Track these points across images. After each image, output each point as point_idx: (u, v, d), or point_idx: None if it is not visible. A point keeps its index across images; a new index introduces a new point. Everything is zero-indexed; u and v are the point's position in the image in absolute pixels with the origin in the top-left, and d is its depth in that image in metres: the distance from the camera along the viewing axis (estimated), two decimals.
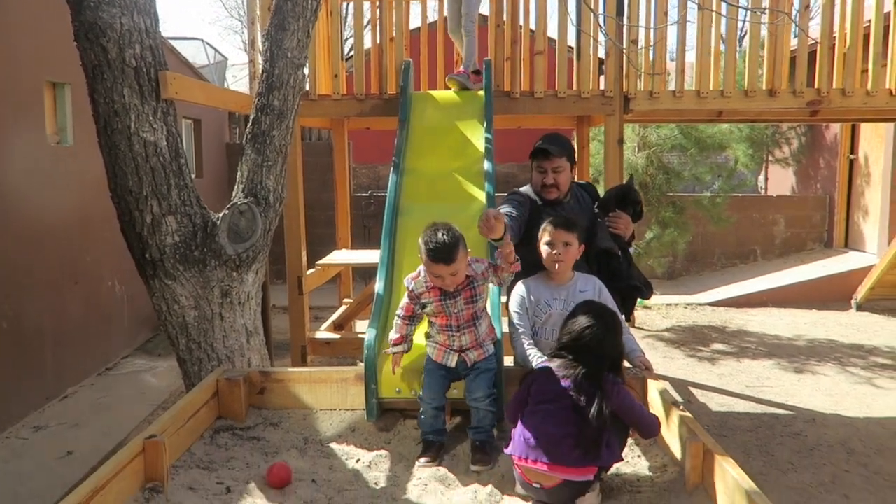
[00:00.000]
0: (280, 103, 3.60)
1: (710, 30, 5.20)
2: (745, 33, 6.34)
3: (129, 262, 3.66)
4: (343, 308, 6.68)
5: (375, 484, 2.47)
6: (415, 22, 5.95)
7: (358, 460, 2.64)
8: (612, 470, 2.44)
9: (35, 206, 5.46)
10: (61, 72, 5.79)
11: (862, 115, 6.53)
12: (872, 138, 10.15)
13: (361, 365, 2.98)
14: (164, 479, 2.29)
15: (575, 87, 5.34)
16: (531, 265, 3.12)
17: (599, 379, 2.36)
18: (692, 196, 9.77)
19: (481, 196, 4.11)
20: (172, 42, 9.09)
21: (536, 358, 2.83)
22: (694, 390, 6.00)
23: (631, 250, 3.55)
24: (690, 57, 5.51)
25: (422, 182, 4.27)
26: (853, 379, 6.31)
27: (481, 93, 5.11)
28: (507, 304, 3.17)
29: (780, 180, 12.69)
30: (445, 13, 5.64)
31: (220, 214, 3.54)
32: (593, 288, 3.07)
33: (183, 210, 3.49)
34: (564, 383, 2.38)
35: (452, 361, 2.78)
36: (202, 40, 15.40)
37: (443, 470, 2.54)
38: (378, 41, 5.56)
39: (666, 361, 6.84)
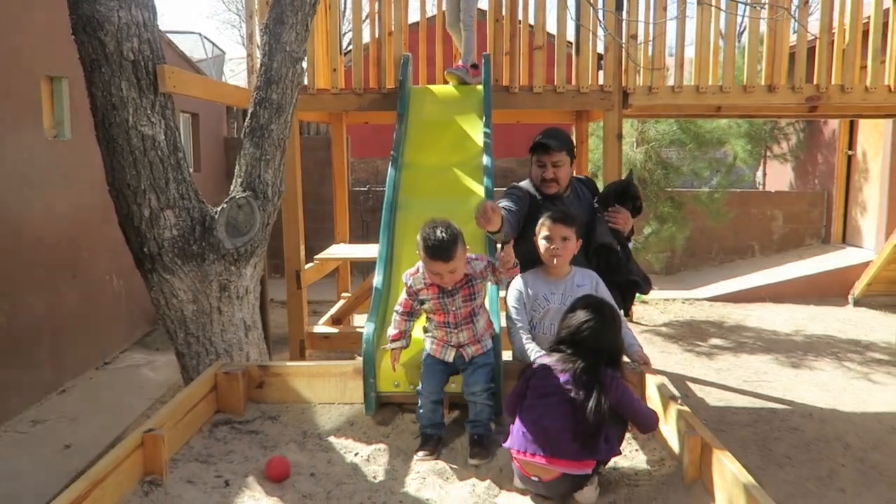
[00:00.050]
0: (278, 97, 3.59)
1: (710, 25, 5.20)
2: (744, 29, 6.33)
3: (127, 257, 3.65)
4: (341, 302, 6.69)
5: (374, 477, 2.48)
6: (413, 16, 5.93)
7: (356, 454, 2.64)
8: (610, 464, 2.44)
9: (32, 200, 5.46)
10: (59, 65, 5.77)
11: (861, 111, 6.53)
12: (871, 134, 10.15)
13: (360, 359, 2.99)
14: (163, 472, 2.30)
15: (574, 81, 5.33)
16: (530, 260, 3.13)
17: (598, 373, 2.37)
18: (690, 191, 9.78)
19: (480, 191, 4.10)
20: (170, 36, 9.07)
21: (534, 352, 2.84)
22: (691, 385, 6.01)
23: (630, 245, 3.55)
24: (689, 52, 5.50)
25: (420, 176, 4.27)
26: (850, 374, 6.33)
27: (480, 87, 5.10)
28: (505, 298, 3.17)
29: (778, 176, 12.70)
30: (444, 7, 5.62)
31: (219, 208, 3.54)
32: (591, 282, 3.08)
33: (181, 204, 3.49)
34: (563, 377, 2.38)
35: (450, 356, 2.78)
36: (200, 34, 15.36)
37: (441, 463, 2.55)
38: (377, 35, 5.55)
39: (663, 356, 6.85)
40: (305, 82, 5.17)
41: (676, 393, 2.67)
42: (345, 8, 6.87)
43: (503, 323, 3.07)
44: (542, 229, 3.04)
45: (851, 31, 5.28)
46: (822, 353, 7.01)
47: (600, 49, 5.54)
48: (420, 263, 2.73)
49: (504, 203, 3.29)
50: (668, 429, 2.55)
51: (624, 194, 3.49)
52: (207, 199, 3.67)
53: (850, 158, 10.77)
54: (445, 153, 4.48)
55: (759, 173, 13.54)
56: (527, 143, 3.54)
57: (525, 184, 3.50)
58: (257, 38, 5.26)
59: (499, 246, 3.61)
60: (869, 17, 5.36)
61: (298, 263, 5.38)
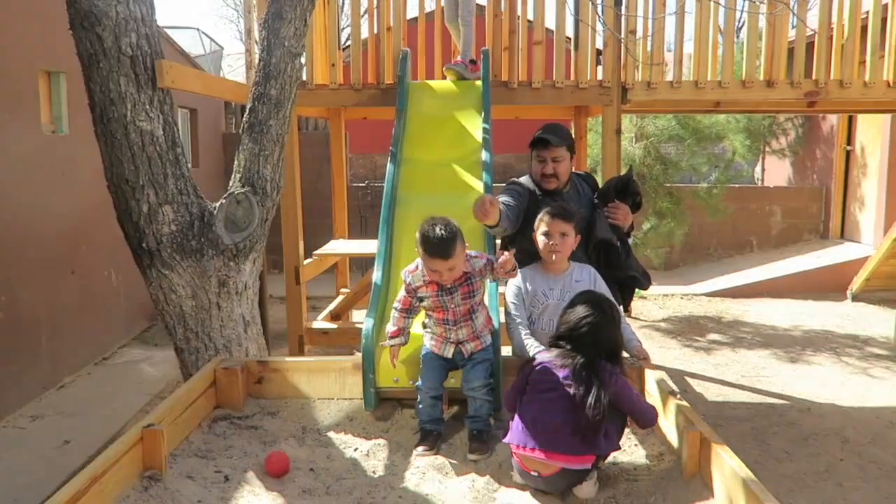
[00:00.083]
0: (277, 93, 3.59)
1: (708, 20, 5.19)
2: (743, 24, 6.33)
3: (125, 252, 3.65)
4: (340, 298, 6.69)
5: (373, 472, 2.49)
6: (412, 11, 5.92)
7: (356, 449, 2.65)
8: (610, 459, 2.45)
9: (30, 196, 5.45)
10: (56, 60, 5.76)
11: (859, 106, 6.54)
12: (869, 129, 10.15)
13: (359, 354, 2.99)
14: (163, 467, 2.30)
15: (573, 77, 5.32)
16: (529, 255, 3.13)
17: (597, 368, 2.37)
18: (689, 187, 9.78)
19: (479, 186, 4.10)
20: (168, 31, 9.04)
21: (533, 348, 2.84)
22: (690, 380, 6.02)
23: (630, 241, 3.56)
24: (688, 48, 5.49)
25: (419, 172, 4.26)
26: (848, 369, 6.34)
27: (479, 83, 5.10)
28: (504, 294, 3.17)
29: (776, 171, 12.70)
30: (443, 3, 5.61)
31: (217, 204, 3.53)
32: (589, 277, 3.08)
33: (180, 199, 3.49)
34: (562, 373, 2.39)
35: (449, 352, 2.79)
36: (198, 29, 15.34)
37: (440, 458, 2.56)
38: (375, 30, 5.54)
39: (662, 351, 6.86)
40: (304, 78, 5.16)
41: (675, 388, 2.67)
42: (343, 3, 6.85)
43: (502, 319, 3.07)
44: (541, 225, 3.04)
45: (850, 26, 5.27)
46: (820, 348, 7.02)
47: (599, 45, 5.53)
48: (419, 261, 2.72)
49: (503, 198, 3.29)
50: (668, 424, 2.56)
51: (624, 190, 3.49)
52: (206, 195, 3.67)
53: (848, 154, 10.77)
54: (444, 149, 4.48)
55: (758, 169, 13.54)
56: (525, 138, 3.54)
57: (524, 179, 3.50)
58: (256, 34, 5.25)
59: (497, 241, 3.62)
60: (868, 12, 5.36)
61: (297, 259, 5.38)
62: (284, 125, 3.67)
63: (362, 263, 9.83)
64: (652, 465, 2.48)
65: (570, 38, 5.73)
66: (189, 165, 3.67)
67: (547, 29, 5.50)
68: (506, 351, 2.99)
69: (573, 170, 3.55)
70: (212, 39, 15.70)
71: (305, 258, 5.65)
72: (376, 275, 3.46)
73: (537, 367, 2.47)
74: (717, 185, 9.68)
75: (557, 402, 2.33)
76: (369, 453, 2.61)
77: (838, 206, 10.85)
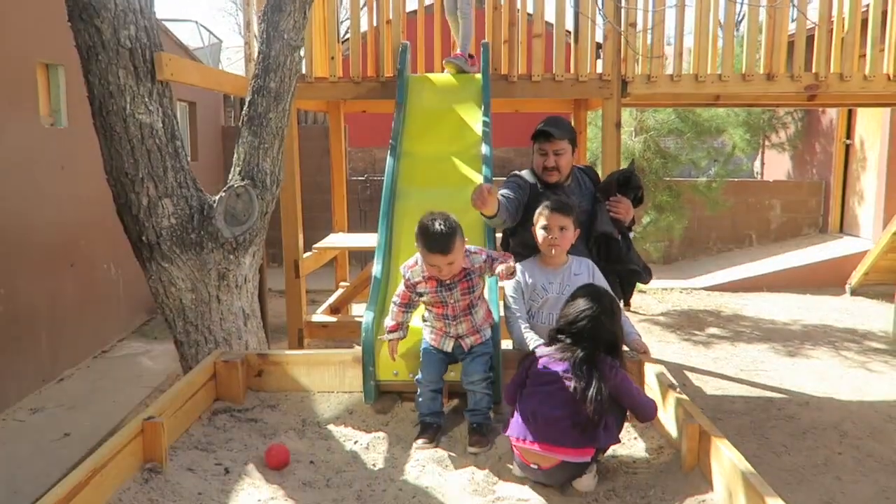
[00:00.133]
0: (276, 85, 3.58)
1: (709, 13, 5.18)
2: (743, 17, 6.31)
3: (124, 245, 3.65)
4: (339, 291, 6.69)
5: (373, 465, 2.49)
6: (411, 4, 5.90)
7: (356, 442, 2.65)
8: (609, 451, 2.46)
9: (29, 189, 5.44)
10: (55, 53, 5.74)
11: (859, 99, 6.52)
12: (869, 123, 10.15)
13: (359, 348, 2.99)
14: (163, 459, 2.30)
15: (572, 70, 5.31)
16: (529, 248, 3.14)
17: (597, 362, 2.37)
18: (689, 181, 9.77)
19: (479, 180, 4.10)
20: (166, 24, 9.01)
21: (533, 341, 2.84)
22: (689, 374, 6.03)
23: (631, 235, 3.55)
24: (688, 41, 5.47)
25: (419, 166, 4.26)
26: (847, 363, 6.35)
27: (478, 76, 5.09)
28: (503, 287, 3.17)
29: (776, 165, 12.70)
30: None
31: (217, 197, 3.53)
32: (587, 270, 3.09)
33: (179, 192, 3.48)
34: (562, 366, 2.39)
35: (449, 346, 2.79)
36: (196, 22, 15.31)
37: (440, 451, 2.56)
38: (375, 23, 5.52)
39: (661, 345, 6.87)
40: (303, 71, 5.14)
41: (674, 382, 2.68)
42: None
43: (502, 312, 3.07)
44: (540, 219, 3.04)
45: (850, 19, 5.26)
46: (818, 342, 7.03)
47: (599, 38, 5.52)
48: (418, 256, 2.72)
49: (503, 191, 3.29)
50: (667, 417, 2.56)
51: (626, 184, 3.49)
52: (205, 189, 3.66)
53: (847, 147, 10.77)
54: (444, 142, 4.47)
55: (757, 163, 13.53)
56: (525, 132, 3.54)
57: (526, 173, 3.50)
58: (255, 27, 5.23)
59: (498, 235, 3.62)
60: (868, 6, 5.34)
61: (297, 253, 5.38)
62: (284, 118, 3.67)
63: (361, 257, 9.83)
64: (651, 458, 2.49)
65: (569, 32, 5.71)
66: (188, 158, 3.66)
67: (547, 22, 5.48)
68: (506, 344, 2.99)
69: (574, 163, 3.55)
70: (210, 32, 15.67)
71: (305, 251, 5.65)
72: (376, 268, 3.46)
73: (537, 361, 2.47)
74: (716, 178, 9.67)
75: (557, 396, 2.34)
76: (369, 446, 2.62)
77: (837, 200, 10.85)
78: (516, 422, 2.38)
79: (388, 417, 2.87)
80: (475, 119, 4.63)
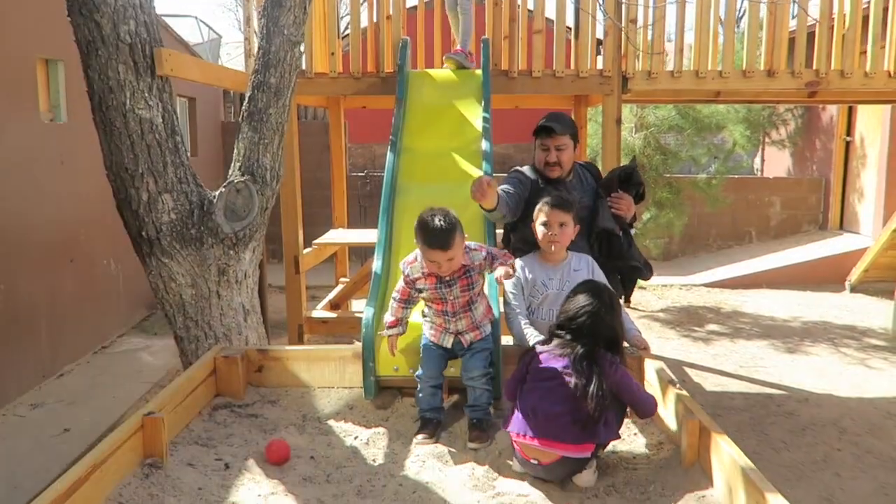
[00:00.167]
0: (277, 81, 3.58)
1: (709, 9, 5.17)
2: (744, 13, 6.30)
3: (124, 240, 3.65)
4: (339, 287, 6.69)
5: (373, 460, 2.49)
6: (412, 0, 5.89)
7: (356, 437, 2.65)
8: (609, 447, 2.46)
9: (29, 184, 5.43)
10: (54, 48, 5.73)
11: (860, 96, 6.51)
12: (869, 120, 10.14)
13: (359, 343, 2.99)
14: (164, 455, 2.30)
15: (573, 66, 5.30)
16: (530, 244, 3.14)
17: (597, 358, 2.37)
18: (689, 177, 9.77)
19: (479, 175, 4.09)
20: (166, 19, 9.00)
21: (533, 337, 2.84)
22: (688, 370, 6.04)
23: (632, 231, 3.55)
24: (689, 38, 5.47)
25: (419, 161, 4.25)
26: (846, 360, 6.36)
27: (479, 72, 5.08)
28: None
29: (776, 162, 12.69)
30: None
31: (217, 192, 3.53)
32: (587, 266, 3.09)
33: (179, 188, 3.48)
34: (562, 362, 2.39)
35: (449, 342, 2.79)
36: (196, 17, 15.28)
37: (440, 447, 2.56)
38: (375, 19, 5.51)
39: (661, 342, 6.87)
40: (303, 66, 5.13)
41: (674, 378, 2.68)
42: None
43: (502, 308, 3.07)
44: (540, 215, 3.03)
45: (852, 16, 5.26)
46: (818, 338, 7.03)
47: (599, 34, 5.51)
48: (418, 252, 2.71)
49: (504, 186, 3.29)
50: (667, 413, 2.57)
51: (628, 180, 3.49)
52: (205, 184, 3.66)
53: (847, 144, 10.76)
54: (444, 138, 4.47)
55: (757, 159, 13.52)
56: (525, 128, 3.53)
57: (526, 168, 3.50)
58: (255, 22, 5.22)
59: (498, 231, 3.62)
60: (869, 2, 5.34)
61: (297, 248, 5.37)
62: (284, 114, 3.66)
63: (361, 253, 9.84)
64: (651, 454, 2.49)
65: (570, 28, 5.70)
66: (188, 154, 3.66)
67: (547, 18, 5.48)
68: (506, 340, 2.99)
69: (575, 159, 3.55)
70: (210, 28, 15.65)
71: (305, 247, 5.65)
72: (376, 264, 3.46)
73: (537, 357, 2.47)
74: (716, 175, 9.67)
75: (557, 391, 2.34)
76: (369, 441, 2.62)
77: (837, 197, 10.85)
78: (516, 417, 2.39)
79: (388, 413, 2.87)
80: (475, 115, 4.62)
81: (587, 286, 2.59)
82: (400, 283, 2.81)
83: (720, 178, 9.67)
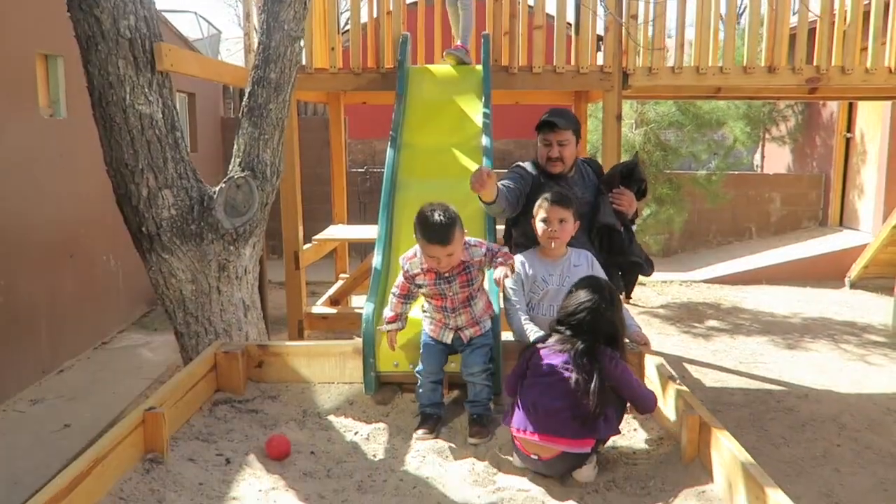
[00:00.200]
0: (277, 76, 3.57)
1: (710, 5, 5.16)
2: (745, 9, 6.29)
3: (124, 236, 3.64)
4: (339, 283, 6.69)
5: (374, 456, 2.49)
6: None
7: (356, 433, 2.65)
8: (609, 443, 2.46)
9: (28, 180, 5.43)
10: (54, 43, 5.72)
11: (861, 92, 6.51)
12: (869, 116, 10.13)
13: (359, 339, 2.99)
14: (164, 450, 2.30)
15: (573, 62, 5.30)
16: (532, 239, 3.14)
17: (597, 353, 2.38)
18: (689, 173, 9.76)
19: (478, 167, 4.08)
20: (165, 15, 8.98)
21: (533, 333, 2.84)
22: (688, 366, 6.04)
23: (633, 228, 3.55)
24: (689, 34, 5.46)
25: (419, 157, 4.25)
26: (846, 356, 6.36)
27: (479, 67, 5.07)
28: None
29: (776, 158, 12.69)
30: None
31: (217, 188, 3.52)
32: (586, 261, 3.09)
33: (179, 184, 3.47)
34: (562, 357, 2.39)
35: (448, 338, 2.78)
36: (195, 13, 15.25)
37: (441, 442, 2.57)
38: (375, 14, 5.50)
39: (660, 338, 6.88)
40: (303, 62, 5.12)
41: (674, 374, 2.68)
42: None
43: (503, 304, 3.07)
44: (540, 211, 3.03)
45: (853, 12, 5.25)
46: (818, 335, 7.04)
47: (600, 30, 5.50)
48: (417, 247, 2.70)
49: (504, 181, 3.29)
50: (667, 408, 2.57)
51: (630, 176, 3.48)
52: (204, 180, 3.66)
53: (848, 141, 10.75)
54: (444, 134, 4.46)
55: (758, 156, 13.52)
56: (525, 124, 3.53)
57: (528, 164, 3.50)
58: (254, 18, 5.22)
59: (499, 227, 3.61)
60: None
61: (297, 244, 5.37)
62: (284, 109, 3.66)
63: (361, 249, 9.83)
64: (651, 449, 2.49)
65: (570, 24, 5.69)
66: (188, 150, 3.65)
67: (547, 14, 5.47)
68: (506, 336, 2.99)
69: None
70: (209, 23, 15.62)
71: (305, 243, 5.65)
72: (376, 259, 3.45)
73: (538, 352, 2.47)
74: (716, 171, 9.67)
75: (557, 387, 2.34)
76: (370, 437, 2.62)
77: (837, 194, 10.85)
78: (517, 413, 2.39)
79: (388, 408, 2.88)
80: (475, 110, 4.62)
81: (587, 282, 2.59)
82: (399, 279, 2.80)
83: (720, 174, 9.67)
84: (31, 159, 5.47)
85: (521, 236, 3.33)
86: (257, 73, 3.57)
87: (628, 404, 2.50)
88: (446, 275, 2.68)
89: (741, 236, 11.05)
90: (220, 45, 16.61)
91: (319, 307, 6.01)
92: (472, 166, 4.16)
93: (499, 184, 3.18)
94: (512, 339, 2.99)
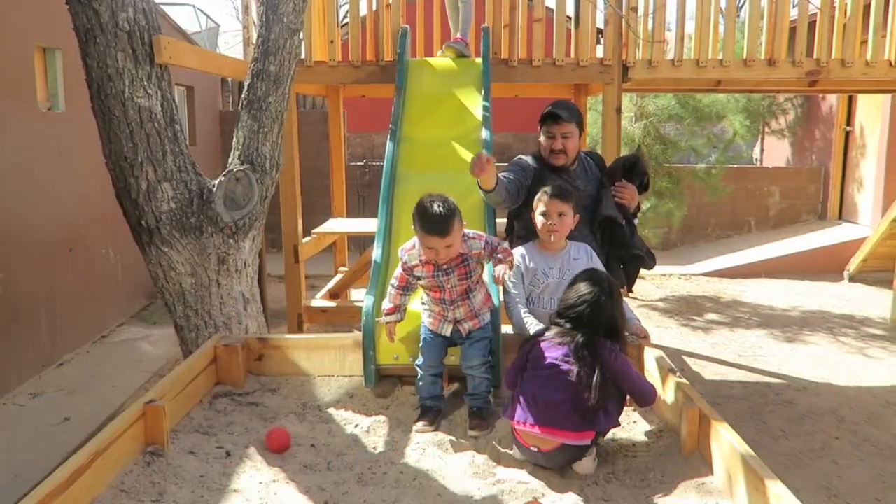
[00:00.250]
0: (276, 69, 3.56)
1: None
2: (745, 2, 6.27)
3: (123, 230, 3.64)
4: (338, 277, 6.69)
5: (374, 448, 2.50)
6: None
7: (356, 425, 2.66)
8: (609, 435, 2.47)
9: (27, 173, 5.42)
10: (52, 36, 5.70)
11: (860, 86, 6.50)
12: (869, 110, 10.12)
13: (359, 332, 2.99)
14: (165, 442, 2.31)
15: (573, 55, 5.28)
16: (534, 231, 3.14)
17: (597, 346, 2.38)
18: (688, 167, 9.76)
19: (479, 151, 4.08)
20: (164, 8, 8.95)
21: (533, 326, 2.84)
22: (687, 359, 6.05)
23: (635, 221, 3.55)
24: (689, 27, 5.44)
25: (419, 150, 4.24)
26: (845, 349, 6.38)
27: (479, 60, 5.06)
28: None
29: (775, 152, 12.68)
30: None
31: (217, 181, 3.52)
32: (586, 254, 3.09)
33: (178, 177, 3.47)
34: (562, 350, 2.39)
35: (447, 331, 2.78)
36: (194, 6, 15.20)
37: (440, 435, 2.57)
38: (374, 7, 5.48)
39: (660, 331, 6.88)
40: (302, 55, 5.11)
41: (673, 366, 2.68)
42: None
43: (503, 297, 3.07)
44: (539, 205, 3.03)
45: (853, 5, 5.23)
46: (817, 328, 7.05)
47: (599, 23, 5.48)
48: (415, 239, 2.70)
49: (504, 173, 3.29)
50: (667, 401, 2.57)
51: (632, 169, 3.48)
52: (203, 174, 3.65)
53: (847, 134, 10.75)
54: (444, 127, 4.45)
55: (757, 149, 13.51)
56: (525, 118, 3.53)
57: (529, 157, 3.49)
58: (253, 11, 5.20)
59: (498, 221, 3.61)
60: None
61: (296, 237, 5.37)
62: (283, 102, 3.65)
63: (360, 242, 9.83)
64: (651, 442, 2.49)
65: (570, 17, 5.68)
66: (187, 143, 3.65)
67: (547, 7, 5.45)
68: (506, 329, 2.99)
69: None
70: (208, 16, 15.57)
71: (304, 237, 5.64)
72: (376, 252, 3.45)
73: (538, 345, 2.47)
74: (715, 165, 9.66)
75: (557, 379, 2.34)
76: (370, 429, 2.63)
77: (837, 187, 10.85)
78: (517, 405, 2.39)
79: (388, 401, 2.88)
80: (475, 104, 4.61)
81: (587, 275, 2.59)
82: (398, 270, 2.80)
83: (720, 167, 9.66)
84: (30, 153, 5.46)
85: (522, 229, 3.33)
86: (256, 66, 3.56)
87: (627, 397, 2.51)
88: (444, 267, 2.67)
89: (740, 230, 11.05)
90: (218, 39, 16.56)
91: (319, 301, 6.01)
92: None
93: (499, 175, 3.18)
94: (511, 332, 2.99)
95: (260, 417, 2.69)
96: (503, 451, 2.45)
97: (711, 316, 7.54)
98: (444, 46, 5.32)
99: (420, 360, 2.79)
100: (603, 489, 2.23)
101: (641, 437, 2.54)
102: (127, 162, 3.37)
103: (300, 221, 5.39)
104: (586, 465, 2.32)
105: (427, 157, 4.19)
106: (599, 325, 2.44)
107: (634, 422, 2.66)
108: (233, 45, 18.21)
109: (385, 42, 5.25)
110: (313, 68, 5.31)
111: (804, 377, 5.60)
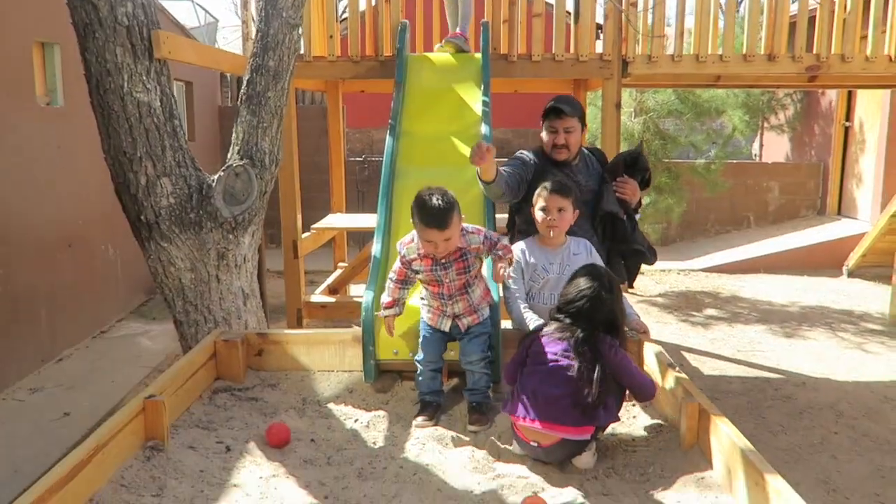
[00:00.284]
0: (275, 64, 3.55)
1: None
2: None
3: (122, 225, 3.63)
4: (338, 272, 6.68)
5: (374, 443, 2.50)
6: None
7: (356, 420, 2.66)
8: (608, 430, 2.47)
9: (26, 169, 5.41)
10: (50, 31, 5.69)
11: (860, 81, 6.50)
12: (868, 105, 10.12)
13: (359, 327, 2.99)
14: (165, 437, 2.31)
15: (572, 50, 5.28)
16: (534, 225, 3.14)
17: (596, 341, 2.38)
18: (687, 162, 9.76)
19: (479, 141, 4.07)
20: (162, 2, 8.93)
21: (532, 321, 2.85)
22: (686, 354, 6.06)
23: (636, 216, 3.55)
24: (689, 22, 5.44)
25: (418, 145, 4.24)
26: (843, 344, 6.38)
27: (478, 55, 5.05)
28: None
29: (774, 147, 12.68)
30: None
31: (216, 176, 3.52)
32: (586, 249, 3.10)
33: (178, 172, 3.46)
34: (562, 345, 2.40)
35: (446, 326, 2.78)
36: (192, 1, 15.15)
37: (440, 430, 2.57)
38: (373, 2, 5.47)
39: (659, 326, 6.89)
40: (301, 50, 5.10)
41: (673, 361, 2.69)
42: None
43: (502, 292, 3.07)
44: (539, 200, 3.03)
45: (853, 0, 5.23)
46: (815, 323, 7.06)
47: (599, 18, 5.47)
48: (414, 232, 2.70)
49: (504, 167, 3.28)
50: (666, 395, 2.58)
51: (633, 165, 3.48)
52: (203, 169, 3.64)
53: (847, 129, 10.74)
54: (443, 122, 4.44)
55: (756, 144, 13.50)
56: (524, 113, 3.53)
57: (530, 152, 3.49)
58: (252, 6, 5.18)
59: (497, 216, 3.61)
60: None
61: (295, 233, 5.36)
62: (283, 97, 3.64)
63: (359, 237, 9.82)
64: (650, 437, 2.50)
65: (570, 12, 5.67)
66: (186, 138, 3.64)
67: (546, 2, 5.44)
68: (506, 324, 2.99)
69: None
70: (206, 11, 15.54)
71: (303, 232, 5.64)
72: (375, 247, 3.45)
73: (537, 340, 2.48)
74: (715, 160, 9.66)
75: (557, 374, 2.34)
76: (369, 424, 2.63)
77: (836, 183, 10.85)
78: (517, 400, 2.39)
79: (388, 396, 2.88)
80: (475, 99, 4.60)
81: (587, 270, 2.59)
82: (396, 264, 2.80)
83: (719, 163, 9.66)
84: (28, 148, 5.45)
85: (523, 223, 3.33)
86: (255, 61, 3.55)
87: (627, 392, 2.51)
88: (443, 261, 2.67)
89: (739, 225, 11.05)
90: (217, 34, 16.53)
91: (318, 296, 6.01)
92: None
93: (500, 168, 3.17)
94: (511, 327, 2.99)
95: (260, 412, 2.69)
96: (503, 446, 2.45)
97: (710, 311, 7.55)
98: (443, 41, 5.31)
99: (419, 356, 2.79)
100: (602, 484, 2.23)
101: (641, 432, 2.55)
102: (126, 157, 3.37)
103: (299, 217, 5.39)
104: (586, 459, 2.32)
105: (426, 153, 4.18)
106: (599, 320, 2.44)
107: (634, 417, 2.66)
108: (231, 40, 18.19)
109: (384, 37, 5.24)
110: (312, 63, 5.30)
111: (803, 372, 5.61)
